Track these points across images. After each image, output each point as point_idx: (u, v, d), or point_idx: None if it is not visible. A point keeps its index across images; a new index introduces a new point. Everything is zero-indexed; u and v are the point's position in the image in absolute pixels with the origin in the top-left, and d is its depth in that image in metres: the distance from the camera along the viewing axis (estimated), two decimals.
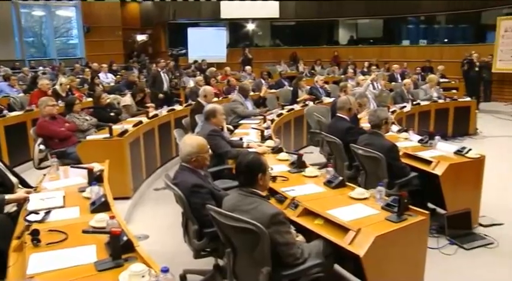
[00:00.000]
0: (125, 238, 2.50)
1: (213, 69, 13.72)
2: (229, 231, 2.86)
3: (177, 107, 8.16)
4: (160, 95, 10.03)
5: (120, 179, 5.38)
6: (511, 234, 4.70)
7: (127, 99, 7.91)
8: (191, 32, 19.55)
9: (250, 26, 20.76)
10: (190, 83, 11.61)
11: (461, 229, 4.61)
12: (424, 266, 3.29)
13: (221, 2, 19.27)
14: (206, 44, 18.92)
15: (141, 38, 21.51)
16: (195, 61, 16.77)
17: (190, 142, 3.53)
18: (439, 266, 4.03)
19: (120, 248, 2.43)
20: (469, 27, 18.80)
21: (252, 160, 2.92)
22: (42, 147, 5.66)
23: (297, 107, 8.31)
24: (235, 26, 20.92)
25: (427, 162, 4.70)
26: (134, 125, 6.19)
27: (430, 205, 4.95)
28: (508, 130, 10.31)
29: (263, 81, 11.40)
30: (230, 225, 2.76)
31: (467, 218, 4.67)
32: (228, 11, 19.27)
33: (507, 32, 14.30)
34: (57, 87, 8.73)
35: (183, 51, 19.40)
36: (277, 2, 19.40)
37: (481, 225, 4.87)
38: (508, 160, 7.60)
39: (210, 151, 3.73)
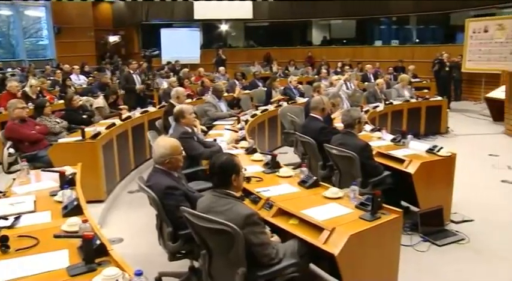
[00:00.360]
0: (97, 242, 2.46)
1: (186, 70, 13.64)
2: (203, 233, 2.84)
3: (151, 109, 8.08)
4: (138, 87, 9.95)
5: (93, 182, 5.30)
6: (481, 230, 4.80)
7: (100, 101, 7.82)
8: (164, 33, 19.39)
9: (224, 27, 20.72)
10: (164, 85, 11.53)
11: (433, 226, 4.69)
12: (398, 263, 3.32)
13: (194, 2, 19.16)
14: (180, 45, 18.78)
15: (113, 39, 21.24)
16: (169, 62, 16.66)
17: (163, 143, 3.50)
18: (413, 263, 4.07)
19: (93, 252, 2.39)
20: (439, 28, 19.17)
21: (225, 161, 2.91)
22: (11, 150, 5.53)
23: (271, 107, 8.32)
24: (208, 27, 20.85)
25: (400, 161, 4.75)
26: (107, 128, 6.12)
27: (403, 203, 5.03)
28: (477, 128, 10.52)
29: (237, 82, 11.38)
30: (204, 227, 2.75)
31: (440, 216, 4.75)
32: (201, 11, 19.19)
33: (475, 33, 14.62)
34: (27, 89, 8.57)
35: (156, 52, 19.22)
36: (251, 3, 19.41)
37: (452, 222, 4.96)
38: (478, 157, 7.76)
39: (183, 152, 3.70)
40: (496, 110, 10.86)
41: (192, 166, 4.65)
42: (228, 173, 2.89)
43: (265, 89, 10.08)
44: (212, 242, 2.86)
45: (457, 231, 4.73)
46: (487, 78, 14.20)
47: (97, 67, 17.12)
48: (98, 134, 5.66)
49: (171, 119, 6.08)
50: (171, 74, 13.87)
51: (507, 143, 9.12)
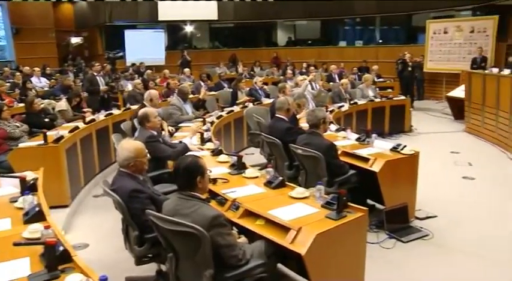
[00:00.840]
0: (61, 248, 2.40)
1: (149, 72, 13.50)
2: (170, 236, 2.82)
3: (115, 112, 7.97)
4: (102, 88, 9.80)
5: (57, 187, 5.21)
6: (445, 225, 4.93)
7: (62, 104, 7.63)
8: (128, 34, 19.11)
9: (189, 28, 20.57)
10: (129, 87, 11.37)
11: (399, 223, 4.77)
12: (364, 260, 3.37)
13: (159, 3, 18.94)
14: (144, 46, 18.54)
15: (76, 40, 20.83)
16: (133, 64, 16.43)
17: (127, 146, 3.45)
18: (379, 260, 4.14)
19: (56, 259, 2.33)
20: (401, 29, 19.53)
21: (190, 163, 2.90)
22: None
23: (236, 108, 8.31)
24: (173, 28, 20.66)
25: (365, 159, 4.82)
26: (70, 131, 5.99)
27: (369, 201, 5.10)
28: (439, 127, 10.77)
29: (202, 84, 11.32)
30: (170, 229, 2.73)
31: (405, 213, 4.84)
32: (165, 13, 19.00)
33: (435, 34, 15.02)
34: None
35: (121, 54, 18.89)
36: (216, 4, 19.34)
37: (417, 218, 5.06)
38: (440, 155, 7.94)
39: (148, 155, 3.66)
40: (457, 109, 11.15)
41: (157, 169, 4.58)
42: (193, 175, 2.87)
43: (231, 90, 10.07)
44: (178, 245, 2.84)
45: (421, 227, 4.84)
46: (448, 77, 14.58)
47: (59, 69, 16.71)
48: (61, 137, 5.54)
49: (135, 122, 6.01)
50: (136, 76, 13.69)
51: (468, 141, 9.36)
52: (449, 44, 14.72)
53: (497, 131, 8.70)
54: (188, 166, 2.89)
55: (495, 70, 9.40)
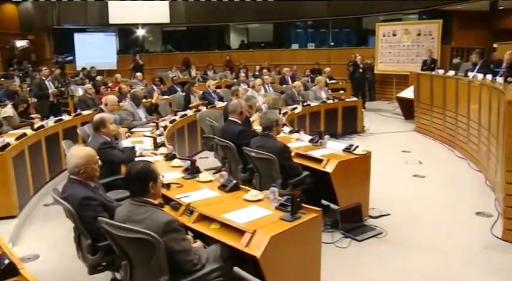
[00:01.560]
0: (6, 262, 2.29)
1: (99, 77, 13.24)
2: (123, 243, 2.77)
3: (65, 117, 7.75)
4: (52, 90, 9.52)
5: (3, 197, 5.04)
6: (398, 223, 5.04)
7: (8, 111, 7.36)
8: (78, 37, 18.61)
9: (141, 32, 20.25)
10: (79, 92, 11.10)
11: (353, 222, 4.84)
12: (320, 260, 3.40)
13: (109, 6, 18.53)
14: (95, 50, 18.12)
15: (21, 44, 19.97)
16: (84, 68, 16.09)
17: (77, 153, 3.37)
18: (335, 259, 4.18)
19: (2, 273, 2.23)
20: (352, 31, 19.93)
21: (141, 169, 2.86)
22: None
23: (189, 112, 8.25)
24: (124, 32, 20.31)
25: (318, 161, 4.87)
26: (17, 138, 5.78)
27: (323, 202, 5.17)
28: (391, 127, 11.00)
29: (155, 88, 11.20)
30: (124, 236, 2.68)
31: (359, 212, 4.92)
32: (116, 16, 18.61)
33: (385, 36, 15.42)
34: None
35: (70, 58, 18.28)
36: (168, 7, 19.14)
37: (371, 217, 5.16)
38: (391, 154, 8.13)
39: (99, 161, 3.57)
40: (407, 109, 11.43)
41: (110, 175, 4.50)
42: (145, 180, 2.84)
43: (184, 94, 9.99)
44: (133, 252, 2.79)
45: (375, 226, 4.93)
46: (398, 79, 14.96)
47: (4, 74, 16.07)
48: (7, 145, 5.34)
49: (88, 127, 5.88)
50: (87, 80, 13.39)
51: (418, 140, 9.60)
52: (398, 46, 15.13)
53: (445, 130, 8.97)
54: (140, 171, 2.86)
55: (441, 71, 9.70)
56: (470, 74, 8.06)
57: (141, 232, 2.59)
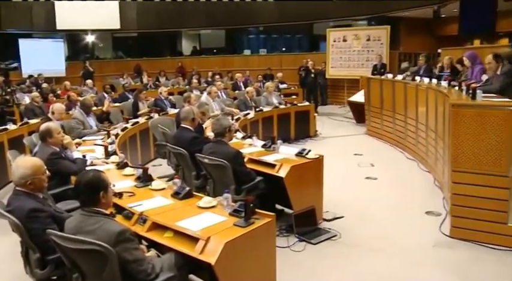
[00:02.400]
0: None
1: (45, 85, 12.89)
2: (74, 255, 2.69)
3: (11, 127, 7.47)
4: None
5: None
6: (351, 225, 5.12)
7: None
8: (23, 43, 17.90)
9: (90, 38, 19.84)
10: (26, 100, 10.74)
11: (308, 225, 4.87)
12: (275, 265, 3.41)
13: (56, 11, 17.90)
14: (42, 57, 17.43)
15: None
16: (30, 76, 15.58)
17: (23, 163, 3.25)
18: (290, 263, 4.21)
19: None
20: (303, 37, 20.21)
21: (91, 178, 2.80)
22: None
23: (141, 120, 8.12)
24: (73, 38, 19.82)
25: (272, 165, 4.87)
26: None
27: (278, 206, 5.19)
28: (343, 130, 11.19)
29: (106, 95, 10.99)
30: (74, 248, 2.61)
31: (313, 215, 4.95)
32: (64, 21, 18.01)
33: (335, 42, 15.71)
34: None
35: (15, 64, 17.65)
36: (118, 13, 18.81)
37: (325, 220, 5.20)
38: (344, 157, 8.24)
39: (47, 172, 3.45)
40: (358, 113, 11.65)
41: (60, 185, 4.36)
42: (96, 190, 2.78)
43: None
44: (84, 264, 2.72)
45: (329, 228, 4.98)
46: (349, 83, 15.26)
47: None
48: None
49: (35, 137, 5.69)
50: (34, 88, 12.98)
51: (369, 143, 9.79)
52: (348, 51, 15.44)
53: (395, 132, 9.19)
54: (90, 181, 2.79)
55: (390, 76, 9.94)
56: (417, 78, 8.30)
57: (92, 243, 2.53)
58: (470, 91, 4.98)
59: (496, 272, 4.07)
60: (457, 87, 6.19)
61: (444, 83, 6.93)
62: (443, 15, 15.32)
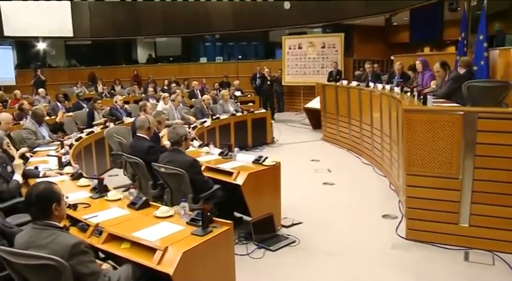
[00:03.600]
0: None
1: None
2: (25, 271, 2.59)
3: None
4: None
5: None
6: (309, 230, 5.18)
7: None
8: None
9: (42, 45, 19.32)
10: None
11: (267, 232, 4.88)
12: (234, 273, 3.40)
13: (3, 17, 17.21)
14: None
15: None
16: None
17: None
18: (250, 270, 4.20)
19: None
20: (259, 44, 20.36)
21: (43, 191, 2.70)
22: None
23: (96, 129, 7.97)
24: (23, 45, 19.23)
25: (229, 173, 4.87)
26: None
27: (236, 214, 5.18)
28: (300, 137, 11.32)
29: (59, 105, 10.72)
30: (25, 264, 2.51)
31: (271, 222, 4.96)
32: (13, 28, 17.37)
33: (291, 49, 15.89)
34: None
35: None
36: (70, 20, 18.38)
37: (283, 226, 5.24)
38: (301, 163, 8.34)
39: None
40: (314, 119, 11.82)
41: (8, 199, 4.22)
42: (48, 202, 2.68)
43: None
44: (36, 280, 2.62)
45: (288, 235, 5.00)
46: (305, 90, 15.47)
47: None
48: None
49: None
50: None
51: (326, 149, 9.92)
52: (304, 58, 15.64)
53: (351, 138, 9.35)
54: (42, 193, 2.69)
55: (345, 82, 10.12)
56: (371, 84, 8.49)
57: (44, 257, 2.44)
58: (422, 97, 5.14)
59: (448, 270, 4.19)
60: (409, 93, 6.37)
61: (397, 89, 7.11)
62: (395, 23, 15.79)
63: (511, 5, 10.15)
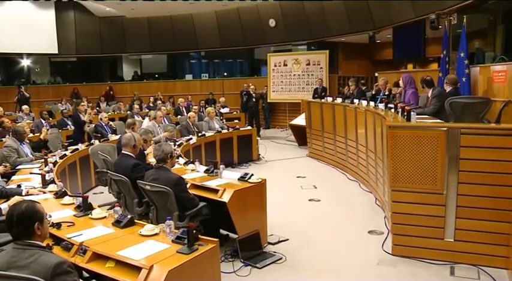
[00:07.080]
0: None
1: None
2: None
3: None
4: None
5: None
6: (296, 247, 5.16)
7: None
8: None
9: (26, 62, 19.22)
10: None
11: (253, 250, 4.85)
12: None
13: None
14: None
15: None
16: None
17: None
18: None
19: None
20: (245, 61, 20.47)
21: (25, 210, 2.65)
22: None
23: (81, 146, 7.91)
24: (7, 61, 19.07)
25: (215, 191, 4.86)
26: None
27: (222, 232, 5.16)
28: (285, 153, 11.33)
29: (44, 122, 10.65)
30: None
31: (257, 239, 4.94)
32: None
33: (276, 66, 16.00)
34: None
35: None
36: (55, 37, 18.32)
37: (270, 243, 5.21)
38: (287, 180, 8.34)
39: None
40: (300, 136, 11.84)
41: None
42: (30, 222, 2.63)
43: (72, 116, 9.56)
44: None
45: (274, 252, 4.98)
46: (290, 107, 15.55)
47: None
48: None
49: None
50: None
51: (311, 165, 9.94)
52: (289, 75, 15.76)
53: (336, 154, 9.39)
54: (24, 213, 2.64)
55: (330, 99, 10.20)
56: (356, 101, 8.57)
57: (25, 278, 2.39)
58: (405, 113, 5.20)
59: None
60: (393, 110, 6.44)
61: (381, 106, 7.18)
62: (378, 41, 16.00)
63: (489, 24, 10.37)
